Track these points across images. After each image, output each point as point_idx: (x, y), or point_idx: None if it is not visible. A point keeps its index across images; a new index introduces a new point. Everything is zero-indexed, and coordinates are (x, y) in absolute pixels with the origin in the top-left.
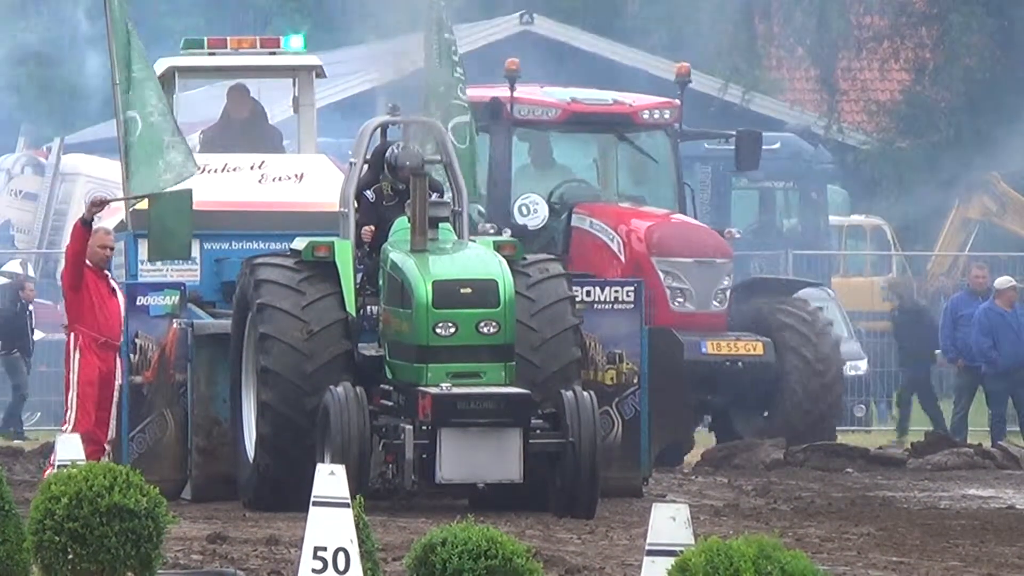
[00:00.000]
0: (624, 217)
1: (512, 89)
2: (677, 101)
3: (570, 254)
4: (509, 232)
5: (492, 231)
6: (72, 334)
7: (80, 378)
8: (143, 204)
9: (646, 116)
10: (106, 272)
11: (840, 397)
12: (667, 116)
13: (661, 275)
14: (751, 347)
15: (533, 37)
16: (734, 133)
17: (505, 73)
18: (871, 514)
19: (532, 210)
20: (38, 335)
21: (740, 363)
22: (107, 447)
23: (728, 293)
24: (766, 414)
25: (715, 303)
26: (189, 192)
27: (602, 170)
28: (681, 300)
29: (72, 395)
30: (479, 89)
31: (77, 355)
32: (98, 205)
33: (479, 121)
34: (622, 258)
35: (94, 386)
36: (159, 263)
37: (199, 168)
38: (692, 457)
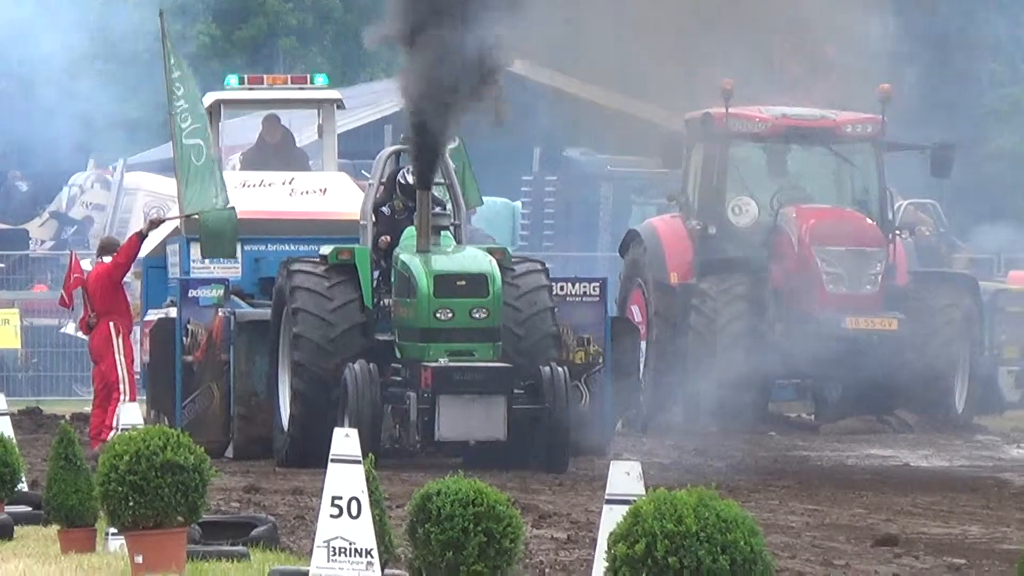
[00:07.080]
0: (804, 213)
1: (727, 105)
2: (879, 116)
3: (775, 248)
4: (714, 229)
5: (698, 227)
6: (112, 323)
7: (125, 359)
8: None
9: (849, 129)
10: None
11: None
12: (869, 129)
13: (819, 262)
14: (887, 323)
15: (509, 76)
16: (929, 146)
17: (722, 92)
18: (791, 470)
19: (744, 210)
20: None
21: (875, 337)
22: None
23: (879, 278)
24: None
25: (867, 287)
26: (233, 209)
27: (810, 178)
28: (834, 284)
29: (122, 372)
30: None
31: (120, 340)
32: (155, 224)
33: (690, 134)
34: (796, 249)
35: (134, 364)
36: (207, 262)
37: (229, 203)
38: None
